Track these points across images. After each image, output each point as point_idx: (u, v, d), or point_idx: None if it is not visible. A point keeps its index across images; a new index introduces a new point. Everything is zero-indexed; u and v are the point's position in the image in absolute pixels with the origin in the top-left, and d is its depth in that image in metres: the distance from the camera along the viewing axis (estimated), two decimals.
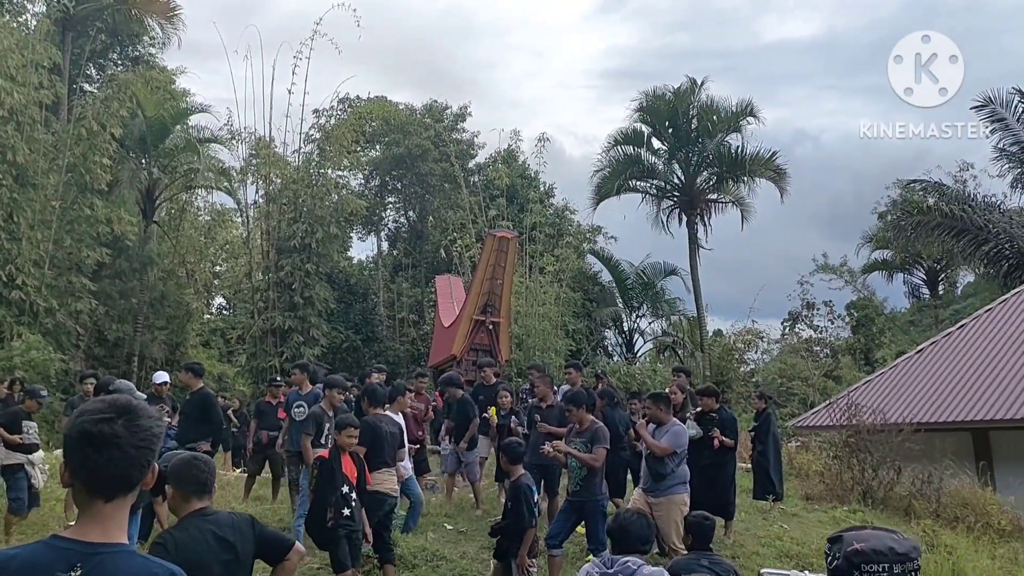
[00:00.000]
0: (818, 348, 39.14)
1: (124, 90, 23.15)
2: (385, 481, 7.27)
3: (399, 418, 8.33)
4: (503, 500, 9.58)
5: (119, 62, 31.02)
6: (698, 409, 9.97)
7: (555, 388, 10.65)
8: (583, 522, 7.84)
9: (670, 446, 7.90)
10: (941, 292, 39.79)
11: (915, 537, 3.86)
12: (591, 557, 7.37)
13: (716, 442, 9.47)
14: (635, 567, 3.97)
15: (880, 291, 41.88)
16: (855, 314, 39.70)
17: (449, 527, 9.46)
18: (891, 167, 73.98)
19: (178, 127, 27.52)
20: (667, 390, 10.12)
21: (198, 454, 4.00)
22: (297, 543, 3.71)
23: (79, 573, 1.90)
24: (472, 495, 10.64)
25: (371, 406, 7.62)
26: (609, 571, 3.98)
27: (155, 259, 26.17)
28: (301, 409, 8.97)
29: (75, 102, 23.78)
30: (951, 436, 15.48)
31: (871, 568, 2.57)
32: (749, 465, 12.56)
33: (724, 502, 9.59)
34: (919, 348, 19.90)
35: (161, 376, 9.44)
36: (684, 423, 8.85)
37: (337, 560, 6.49)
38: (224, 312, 37.07)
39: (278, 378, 13.04)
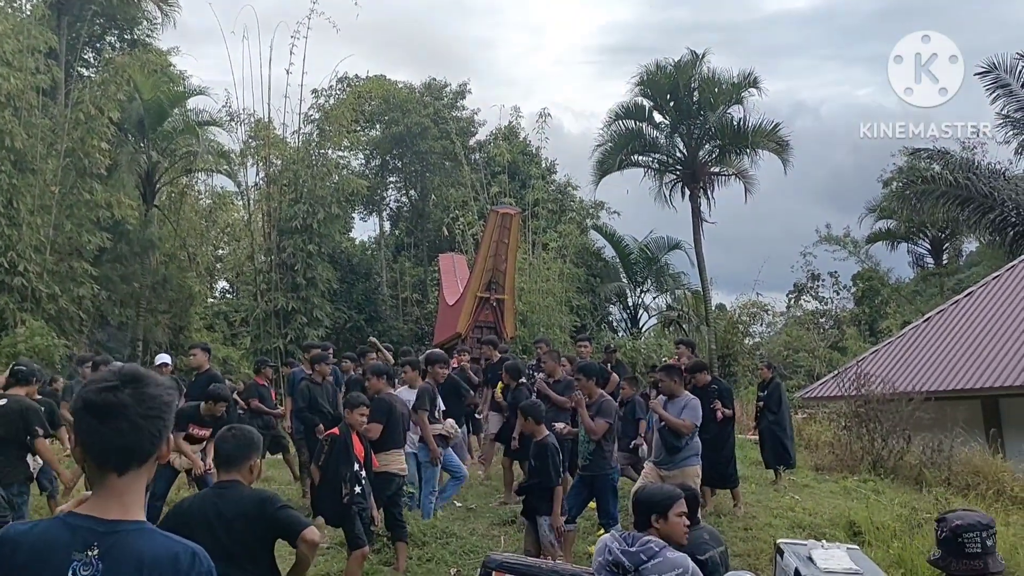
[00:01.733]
0: (823, 320, 39.10)
1: (121, 73, 22.99)
2: (393, 462, 7.21)
3: (412, 394, 8.31)
4: (509, 475, 9.58)
5: (116, 46, 30.79)
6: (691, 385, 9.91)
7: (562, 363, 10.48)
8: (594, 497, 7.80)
9: (692, 422, 7.83)
10: (945, 261, 39.61)
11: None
12: (602, 532, 7.34)
13: (719, 414, 9.39)
14: (657, 548, 3.85)
15: (884, 261, 41.75)
16: (860, 285, 39.60)
17: (459, 504, 9.41)
18: (893, 135, 73.42)
19: (176, 110, 27.33)
20: (678, 360, 10.06)
21: (237, 427, 3.93)
22: (312, 526, 3.60)
23: (96, 552, 1.81)
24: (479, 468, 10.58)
25: (382, 382, 7.56)
26: (630, 549, 3.86)
27: (156, 243, 26.06)
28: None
29: (72, 87, 23.60)
30: (961, 404, 15.42)
31: (971, 535, 3.38)
32: (755, 435, 12.51)
33: (728, 472, 9.57)
34: (926, 317, 19.80)
35: (163, 358, 9.36)
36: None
37: (353, 535, 6.40)
38: (228, 295, 36.99)
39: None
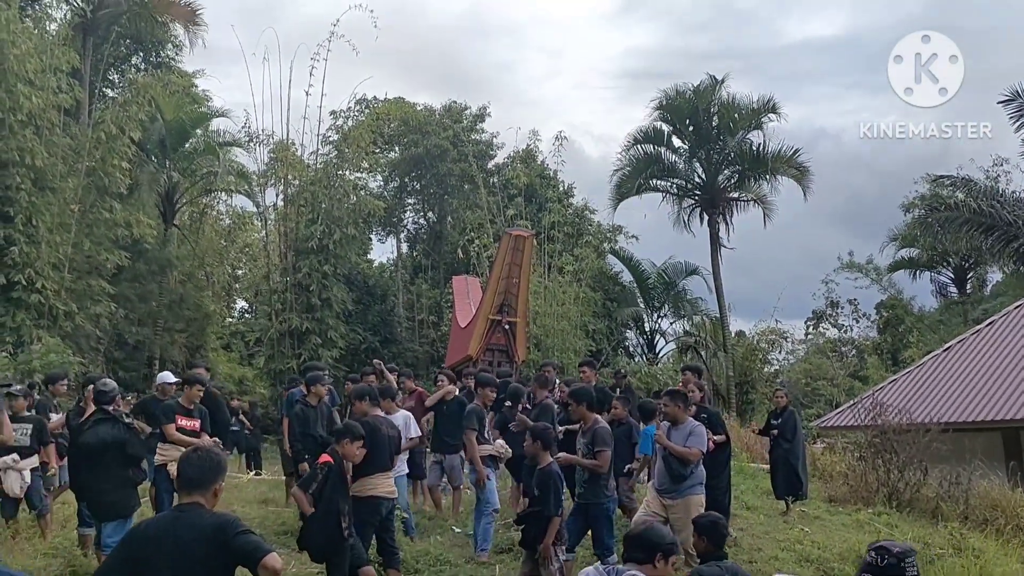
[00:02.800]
0: (845, 348, 38.64)
1: (143, 94, 23.21)
2: (380, 485, 6.99)
3: (400, 419, 8.23)
4: (515, 500, 9.41)
5: (141, 67, 31.20)
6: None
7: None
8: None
9: (698, 449, 7.64)
10: (969, 290, 39.06)
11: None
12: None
13: (710, 443, 9.20)
14: None
15: (907, 290, 41.21)
16: (884, 314, 39.11)
17: (457, 530, 9.25)
18: (914, 165, 73.07)
19: (198, 130, 27.59)
20: (684, 386, 9.85)
21: (201, 448, 3.84)
22: (273, 553, 3.45)
23: None
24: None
25: (366, 404, 7.45)
26: None
27: (174, 262, 26.21)
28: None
29: (95, 106, 23.88)
30: (980, 436, 15.07)
31: (910, 560, 3.67)
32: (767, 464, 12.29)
33: (725, 503, 9.30)
34: (947, 346, 19.45)
35: (166, 376, 9.31)
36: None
37: (342, 573, 6.28)
38: (246, 315, 37.15)
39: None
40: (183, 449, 6.85)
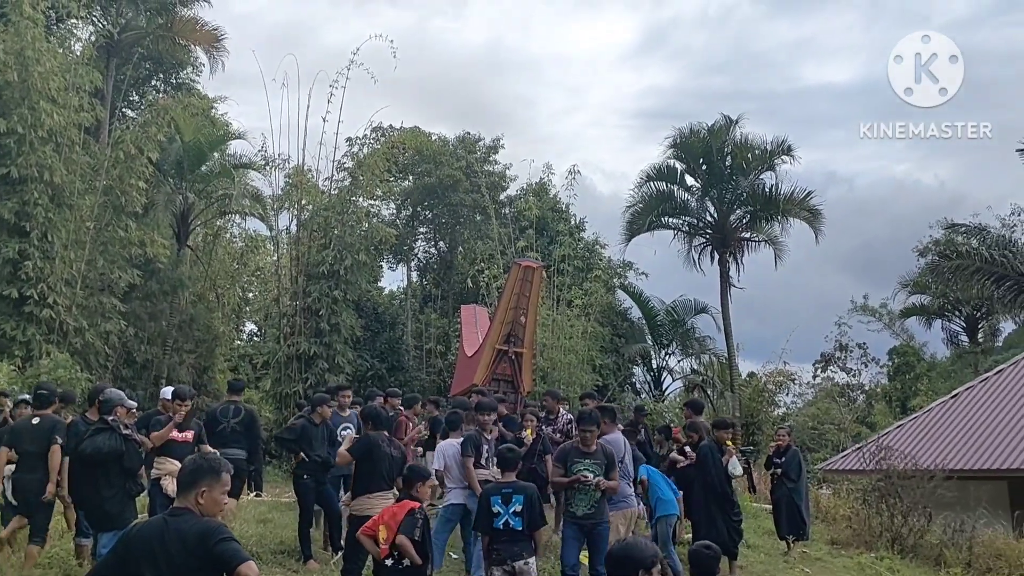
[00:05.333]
0: (855, 393, 38.41)
1: (163, 115, 23.50)
2: (377, 505, 6.89)
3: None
4: None
5: (162, 89, 31.64)
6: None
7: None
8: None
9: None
10: (981, 339, 38.84)
11: None
12: None
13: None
14: None
15: (919, 337, 41.08)
16: (895, 360, 38.90)
17: (455, 556, 9.21)
18: (928, 212, 73.07)
19: (215, 153, 27.88)
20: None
21: (205, 454, 3.89)
22: (250, 562, 3.46)
23: None
24: None
25: (374, 429, 7.45)
26: None
27: (186, 282, 26.35)
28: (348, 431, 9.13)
29: (115, 126, 24.18)
30: (986, 484, 14.95)
31: None
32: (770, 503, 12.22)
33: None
34: (954, 393, 19.35)
35: (167, 392, 9.37)
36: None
37: None
38: (255, 338, 37.24)
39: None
40: (178, 463, 6.91)
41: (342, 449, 6.61)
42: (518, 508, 6.65)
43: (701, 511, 9.18)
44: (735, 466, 9.15)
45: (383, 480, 7.06)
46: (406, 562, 5.94)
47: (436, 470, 8.45)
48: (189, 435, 8.26)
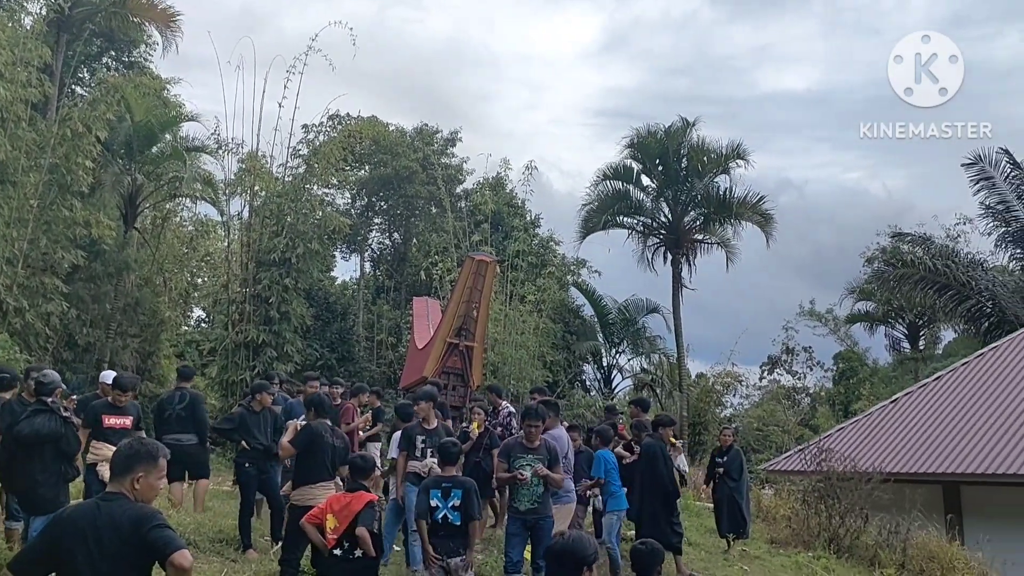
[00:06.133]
0: (800, 396, 39.08)
1: (113, 93, 22.96)
2: (318, 496, 6.83)
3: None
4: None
5: (113, 67, 30.91)
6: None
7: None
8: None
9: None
10: (922, 347, 39.80)
11: None
12: None
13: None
14: None
15: (863, 343, 41.96)
16: (840, 365, 39.69)
17: (396, 548, 9.16)
18: (877, 220, 74.58)
19: (166, 134, 27.33)
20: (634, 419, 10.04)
21: (142, 439, 3.82)
22: (184, 550, 3.38)
23: None
24: None
25: (316, 417, 7.36)
26: None
27: (132, 265, 25.82)
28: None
29: (64, 103, 23.58)
30: (921, 487, 15.28)
31: None
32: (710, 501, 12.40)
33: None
34: (894, 398, 19.78)
35: (106, 376, 9.20)
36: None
37: None
38: (203, 324, 36.64)
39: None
40: (113, 448, 6.76)
41: (284, 440, 6.53)
42: (456, 502, 6.66)
43: (644, 508, 9.25)
44: (682, 463, 9.28)
45: (325, 470, 6.99)
46: (358, 552, 5.91)
47: (392, 459, 8.43)
48: (128, 420, 8.12)
